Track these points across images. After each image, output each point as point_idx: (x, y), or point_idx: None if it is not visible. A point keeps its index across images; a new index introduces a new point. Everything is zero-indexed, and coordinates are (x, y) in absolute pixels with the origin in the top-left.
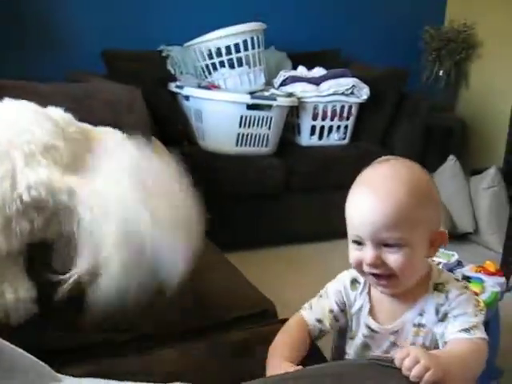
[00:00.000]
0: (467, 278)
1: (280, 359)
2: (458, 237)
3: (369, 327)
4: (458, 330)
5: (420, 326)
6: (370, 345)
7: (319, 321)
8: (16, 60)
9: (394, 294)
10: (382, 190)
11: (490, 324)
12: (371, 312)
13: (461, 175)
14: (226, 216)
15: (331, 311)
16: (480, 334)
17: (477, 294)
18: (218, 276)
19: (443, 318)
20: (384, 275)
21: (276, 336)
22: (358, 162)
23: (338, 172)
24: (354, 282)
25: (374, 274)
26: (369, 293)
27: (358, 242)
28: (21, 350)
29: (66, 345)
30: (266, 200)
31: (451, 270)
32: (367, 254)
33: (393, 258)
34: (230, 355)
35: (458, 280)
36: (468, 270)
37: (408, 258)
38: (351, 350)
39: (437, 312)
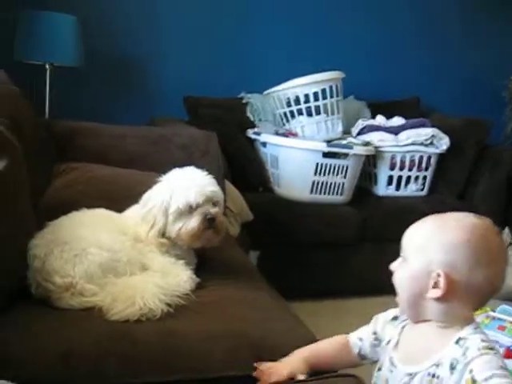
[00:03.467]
0: None
1: (296, 355)
2: None
3: (391, 361)
4: None
5: (434, 376)
6: (388, 380)
7: (360, 339)
8: (109, 109)
9: (420, 336)
10: (426, 220)
11: None
12: (397, 347)
13: None
14: (297, 264)
15: (374, 333)
16: None
17: None
18: (278, 326)
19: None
20: None
21: None
22: (434, 214)
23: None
24: (395, 317)
25: None
26: (402, 328)
27: None
28: None
29: None
30: (339, 249)
31: None
32: None
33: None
34: None
35: (484, 340)
36: None
37: (401, 271)
38: (378, 381)
39: (451, 367)
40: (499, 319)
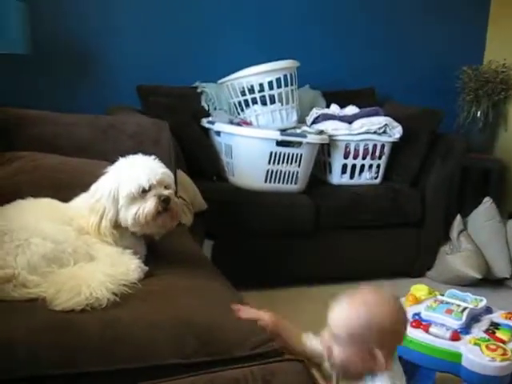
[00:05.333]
0: (495, 325)
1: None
2: (493, 282)
3: None
4: None
5: None
6: None
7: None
8: (62, 99)
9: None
10: (353, 305)
11: None
12: None
13: (497, 218)
14: (253, 253)
15: None
16: None
17: (504, 342)
18: (225, 314)
19: None
20: None
21: None
22: (389, 201)
23: (368, 211)
24: None
25: None
26: None
27: None
28: None
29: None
30: (295, 238)
31: (478, 316)
32: None
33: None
34: None
35: None
36: (497, 316)
37: (341, 353)
38: None
39: None
40: (447, 303)
